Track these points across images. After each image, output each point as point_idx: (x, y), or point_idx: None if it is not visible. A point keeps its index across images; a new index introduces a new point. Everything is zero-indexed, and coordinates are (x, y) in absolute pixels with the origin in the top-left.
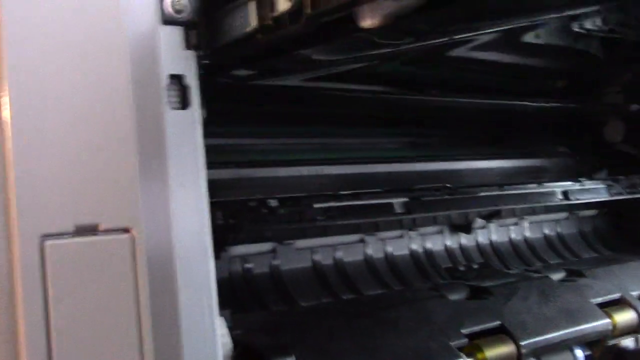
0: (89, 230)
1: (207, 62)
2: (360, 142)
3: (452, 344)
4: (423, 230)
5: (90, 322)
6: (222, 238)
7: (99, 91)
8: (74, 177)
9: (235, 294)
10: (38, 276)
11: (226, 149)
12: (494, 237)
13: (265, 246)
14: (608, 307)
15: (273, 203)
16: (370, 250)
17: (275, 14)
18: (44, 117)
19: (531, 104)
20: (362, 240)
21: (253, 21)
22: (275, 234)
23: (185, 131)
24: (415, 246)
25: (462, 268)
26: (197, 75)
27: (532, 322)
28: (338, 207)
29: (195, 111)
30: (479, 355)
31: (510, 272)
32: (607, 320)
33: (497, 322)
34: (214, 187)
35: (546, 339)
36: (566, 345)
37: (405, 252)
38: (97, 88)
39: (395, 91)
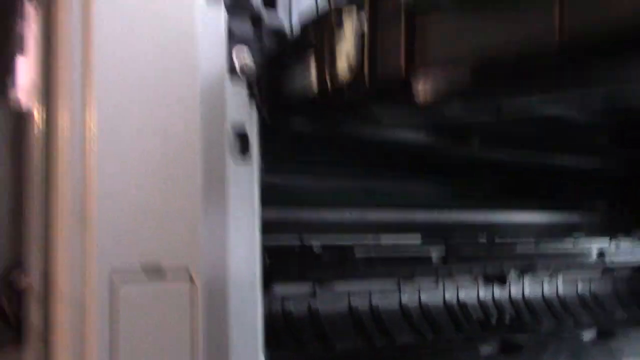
0: (153, 268)
1: (267, 114)
2: (402, 188)
3: None
4: (458, 280)
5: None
6: (268, 278)
7: (171, 136)
8: (145, 218)
9: (274, 332)
10: (107, 311)
11: (274, 188)
12: (527, 291)
13: (305, 287)
14: None
15: (317, 249)
16: (405, 298)
17: (335, 80)
18: (125, 162)
19: (571, 158)
20: (398, 288)
21: (313, 83)
22: (316, 276)
23: (244, 177)
24: (449, 296)
25: (494, 320)
26: (257, 125)
27: None
28: (378, 257)
29: (254, 159)
30: None
31: (542, 328)
32: None
33: None
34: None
35: None
36: None
37: (440, 301)
38: (170, 133)
39: (439, 140)
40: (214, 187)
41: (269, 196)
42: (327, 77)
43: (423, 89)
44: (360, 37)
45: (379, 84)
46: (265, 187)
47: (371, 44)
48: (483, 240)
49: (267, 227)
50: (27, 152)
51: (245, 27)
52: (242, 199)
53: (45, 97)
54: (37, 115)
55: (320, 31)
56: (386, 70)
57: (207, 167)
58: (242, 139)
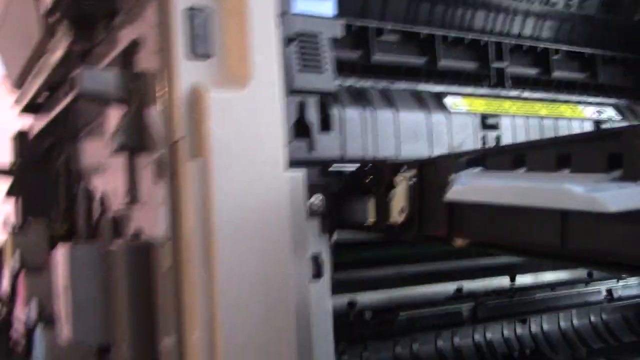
0: None
1: (335, 241)
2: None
3: None
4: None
5: None
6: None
7: (269, 266)
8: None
9: None
10: None
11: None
12: (545, 326)
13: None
14: None
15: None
16: (440, 343)
17: (389, 222)
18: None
19: None
20: (435, 336)
21: (370, 218)
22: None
23: (320, 295)
24: (478, 337)
25: (516, 354)
26: (328, 251)
27: None
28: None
29: (327, 279)
30: None
31: (559, 357)
32: None
33: None
34: None
35: None
36: None
37: (470, 342)
38: (268, 264)
39: None
40: (298, 306)
41: None
42: (382, 218)
43: (461, 243)
44: (412, 197)
45: (425, 232)
46: None
47: (420, 206)
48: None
49: None
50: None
51: (316, 177)
52: (318, 312)
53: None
54: None
55: (377, 182)
56: (430, 227)
57: (292, 289)
58: (318, 264)
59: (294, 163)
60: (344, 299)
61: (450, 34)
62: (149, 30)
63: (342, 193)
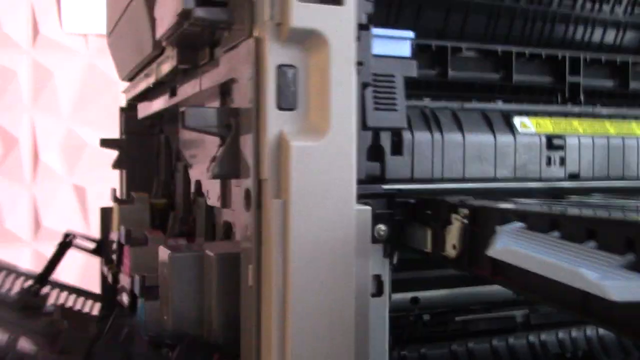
0: None
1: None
2: None
3: None
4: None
5: None
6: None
7: (335, 285)
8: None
9: None
10: None
11: None
12: (601, 331)
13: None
14: None
15: (426, 317)
16: (495, 342)
17: (444, 253)
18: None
19: None
20: (489, 339)
21: (428, 247)
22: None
23: (380, 309)
24: (532, 338)
25: (569, 355)
26: (389, 273)
27: None
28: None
29: (386, 295)
30: None
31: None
32: None
33: None
34: None
35: None
36: None
37: (524, 343)
38: (336, 283)
39: None
40: (359, 320)
41: None
42: (438, 250)
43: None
44: (463, 237)
45: (472, 269)
46: None
47: (470, 247)
48: None
49: None
50: None
51: (383, 207)
52: (377, 322)
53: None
54: None
55: (434, 217)
56: (477, 265)
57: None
58: (379, 284)
59: (366, 181)
60: (407, 295)
61: (526, 50)
62: (243, 78)
63: (405, 222)
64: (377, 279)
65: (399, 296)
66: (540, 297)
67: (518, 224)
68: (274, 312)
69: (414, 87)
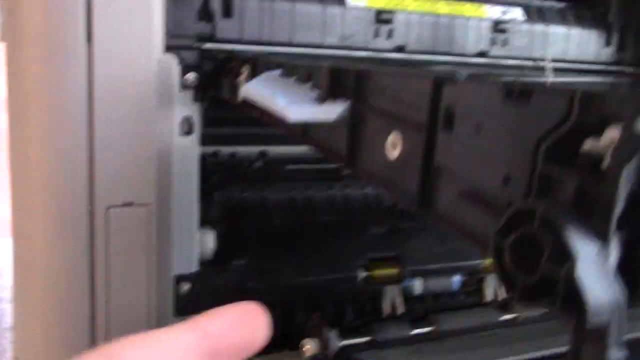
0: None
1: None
2: None
3: None
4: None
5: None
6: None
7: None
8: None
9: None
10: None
11: None
12: None
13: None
14: None
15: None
16: (332, 190)
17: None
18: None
19: None
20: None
21: (228, 95)
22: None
23: (190, 147)
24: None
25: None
26: (199, 115)
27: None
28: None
29: (196, 134)
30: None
31: None
32: None
33: None
34: None
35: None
36: None
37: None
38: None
39: None
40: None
41: None
42: (235, 96)
43: None
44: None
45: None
46: None
47: None
48: None
49: None
50: None
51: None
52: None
53: None
54: None
55: (233, 67)
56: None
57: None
58: (189, 124)
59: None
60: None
61: None
62: None
63: (214, 74)
64: (188, 120)
65: (248, 149)
66: (271, 121)
67: (276, 72)
68: None
69: None
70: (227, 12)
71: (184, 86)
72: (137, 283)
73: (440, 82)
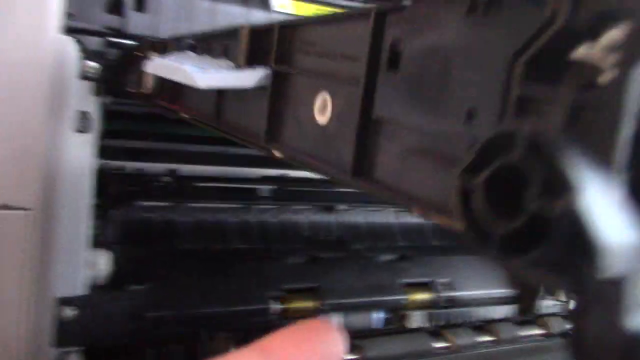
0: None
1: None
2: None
3: None
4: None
5: None
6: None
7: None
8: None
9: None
10: None
11: None
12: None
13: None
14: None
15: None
16: (249, 217)
17: (143, 90)
18: None
19: None
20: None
21: (134, 87)
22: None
23: (83, 146)
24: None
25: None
26: (98, 112)
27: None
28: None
29: (92, 134)
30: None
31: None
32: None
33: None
34: None
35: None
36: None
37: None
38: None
39: None
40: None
41: None
42: (141, 88)
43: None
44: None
45: (160, 100)
46: None
47: (160, 80)
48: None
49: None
50: None
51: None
52: (81, 159)
53: None
54: None
55: (139, 57)
56: (163, 97)
57: (56, 140)
58: (85, 120)
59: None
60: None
61: None
62: None
63: (120, 65)
64: (84, 115)
65: (156, 165)
66: (194, 115)
67: (189, 52)
68: None
69: None
70: (140, 5)
71: (84, 76)
72: (9, 301)
73: (382, 13)
